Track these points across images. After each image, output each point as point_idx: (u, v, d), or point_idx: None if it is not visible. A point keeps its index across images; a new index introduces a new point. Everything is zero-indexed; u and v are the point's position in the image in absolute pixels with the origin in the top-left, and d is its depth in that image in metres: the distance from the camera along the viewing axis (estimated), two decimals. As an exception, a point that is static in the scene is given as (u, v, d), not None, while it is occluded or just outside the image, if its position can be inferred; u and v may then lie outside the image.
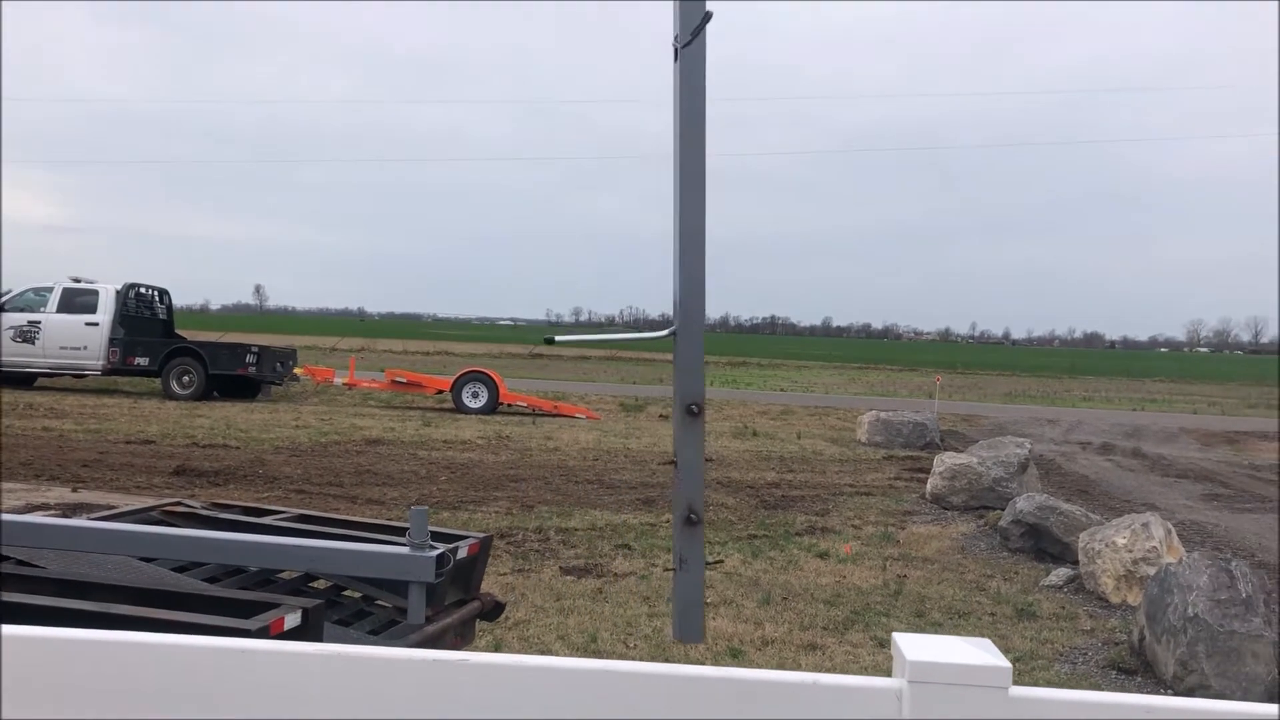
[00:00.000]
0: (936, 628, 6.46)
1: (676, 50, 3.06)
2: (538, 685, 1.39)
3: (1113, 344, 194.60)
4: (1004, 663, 1.40)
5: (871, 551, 8.73)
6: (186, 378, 20.32)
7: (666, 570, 7.68)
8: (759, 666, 5.35)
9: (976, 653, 1.44)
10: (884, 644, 6.05)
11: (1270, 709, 1.41)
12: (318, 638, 3.28)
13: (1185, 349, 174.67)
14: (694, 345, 3.17)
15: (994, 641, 5.00)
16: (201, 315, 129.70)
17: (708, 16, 2.82)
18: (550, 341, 3.29)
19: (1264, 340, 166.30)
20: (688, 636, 3.13)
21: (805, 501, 11.22)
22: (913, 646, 1.45)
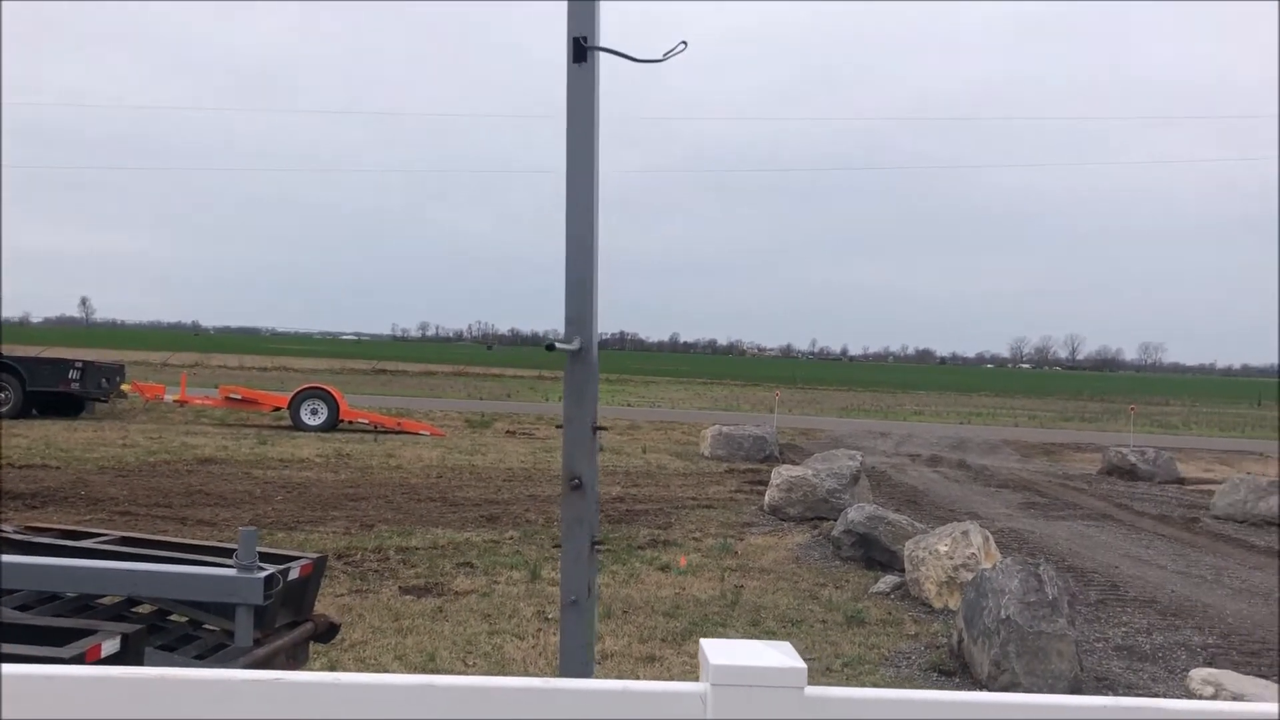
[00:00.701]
0: (770, 635, 6.65)
1: (576, 52, 3.08)
2: (352, 701, 1.41)
3: (943, 360, 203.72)
4: (800, 664, 1.48)
5: (711, 563, 8.91)
6: (2, 395, 19.09)
7: (510, 586, 7.67)
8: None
9: (775, 655, 1.53)
10: (720, 654, 6.18)
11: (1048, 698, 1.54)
12: (139, 664, 3.16)
13: (1009, 365, 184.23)
14: (595, 362, 3.20)
15: (825, 648, 5.19)
16: (21, 328, 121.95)
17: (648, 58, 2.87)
18: (551, 349, 3.25)
19: (1079, 357, 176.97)
20: (579, 671, 3.09)
21: (649, 515, 11.37)
22: (716, 651, 1.52)
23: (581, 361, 3.19)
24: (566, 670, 3.16)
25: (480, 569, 8.27)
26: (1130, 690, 5.93)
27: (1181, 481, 17.31)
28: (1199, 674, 5.10)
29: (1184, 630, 7.44)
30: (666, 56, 3.17)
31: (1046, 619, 5.79)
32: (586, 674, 3.07)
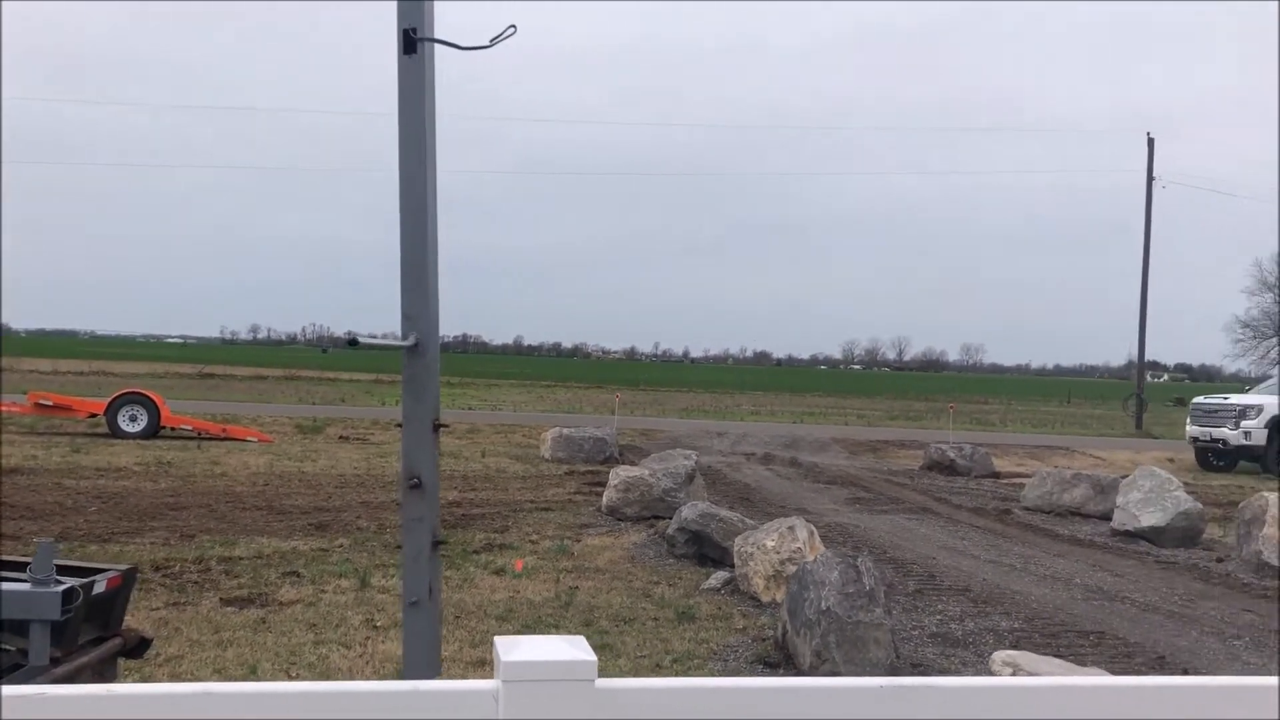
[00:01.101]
0: (603, 634, 6.72)
1: (406, 44, 3.02)
2: (128, 711, 1.37)
3: (779, 362, 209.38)
4: (590, 657, 1.51)
5: (547, 565, 8.92)
6: None
7: (338, 595, 7.50)
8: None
9: (567, 650, 1.55)
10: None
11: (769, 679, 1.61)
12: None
13: (841, 366, 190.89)
14: (435, 358, 3.14)
15: (655, 645, 5.26)
16: None
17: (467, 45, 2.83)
18: (354, 344, 3.20)
19: (906, 358, 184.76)
20: (424, 674, 3.03)
21: (486, 519, 11.29)
22: (509, 648, 1.54)
23: (420, 357, 3.16)
24: (411, 673, 3.12)
25: (307, 578, 8.05)
26: (942, 675, 6.24)
27: (996, 476, 18.29)
28: (999, 656, 5.42)
29: (993, 616, 7.87)
30: (494, 42, 3.18)
31: (864, 609, 6.04)
32: (433, 675, 3.05)
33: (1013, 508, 13.87)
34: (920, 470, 18.87)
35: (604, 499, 12.08)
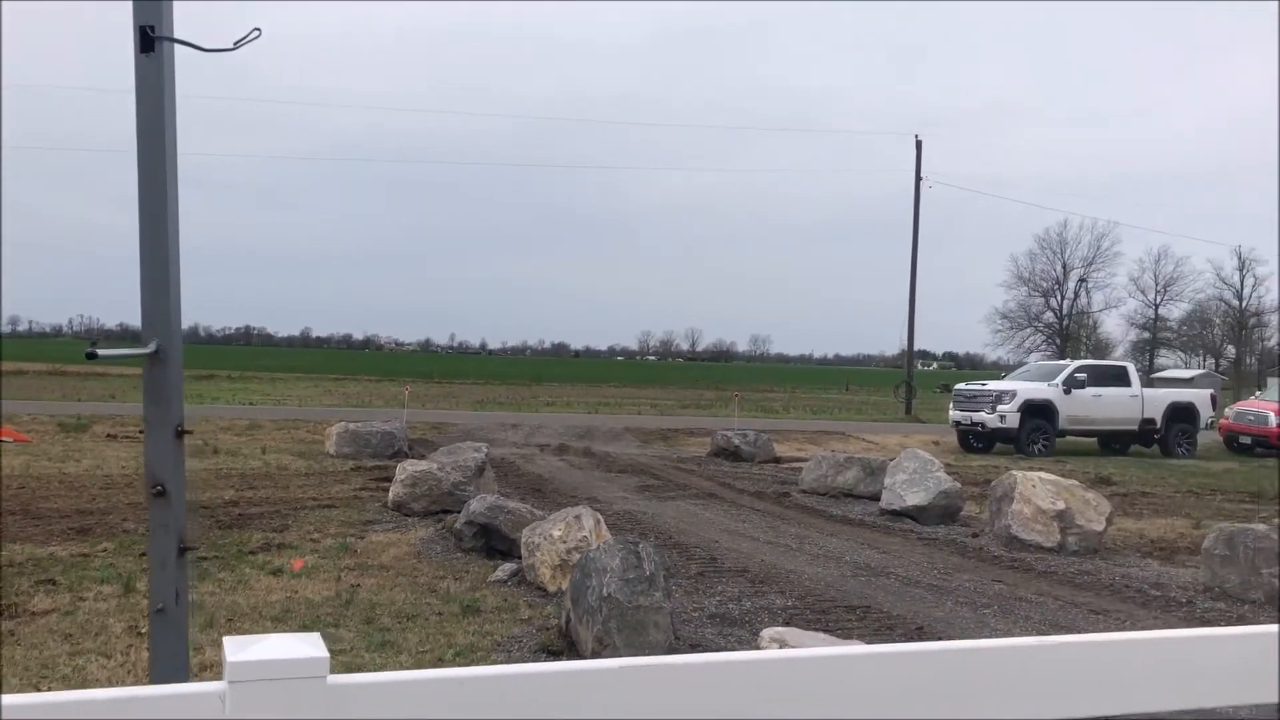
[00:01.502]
0: (385, 632, 6.61)
1: (143, 42, 2.85)
2: None
3: (577, 354, 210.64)
4: (322, 654, 1.50)
5: (328, 564, 8.69)
6: None
7: (99, 603, 7.07)
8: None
9: (298, 647, 1.53)
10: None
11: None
12: None
13: (637, 357, 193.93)
14: (178, 363, 2.98)
15: (439, 639, 5.21)
16: None
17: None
18: (92, 357, 2.96)
19: (699, 349, 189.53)
20: (172, 681, 2.88)
21: (264, 518, 10.87)
22: (238, 648, 1.51)
23: (161, 363, 3.02)
24: (158, 681, 2.98)
25: (64, 585, 7.54)
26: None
27: (778, 460, 19.06)
28: (767, 633, 5.68)
29: (769, 595, 8.22)
30: (238, 45, 3.07)
31: (644, 594, 6.19)
32: (182, 677, 2.93)
33: (791, 491, 14.51)
34: (707, 457, 19.45)
35: (390, 494, 11.86)
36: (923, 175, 34.91)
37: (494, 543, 9.43)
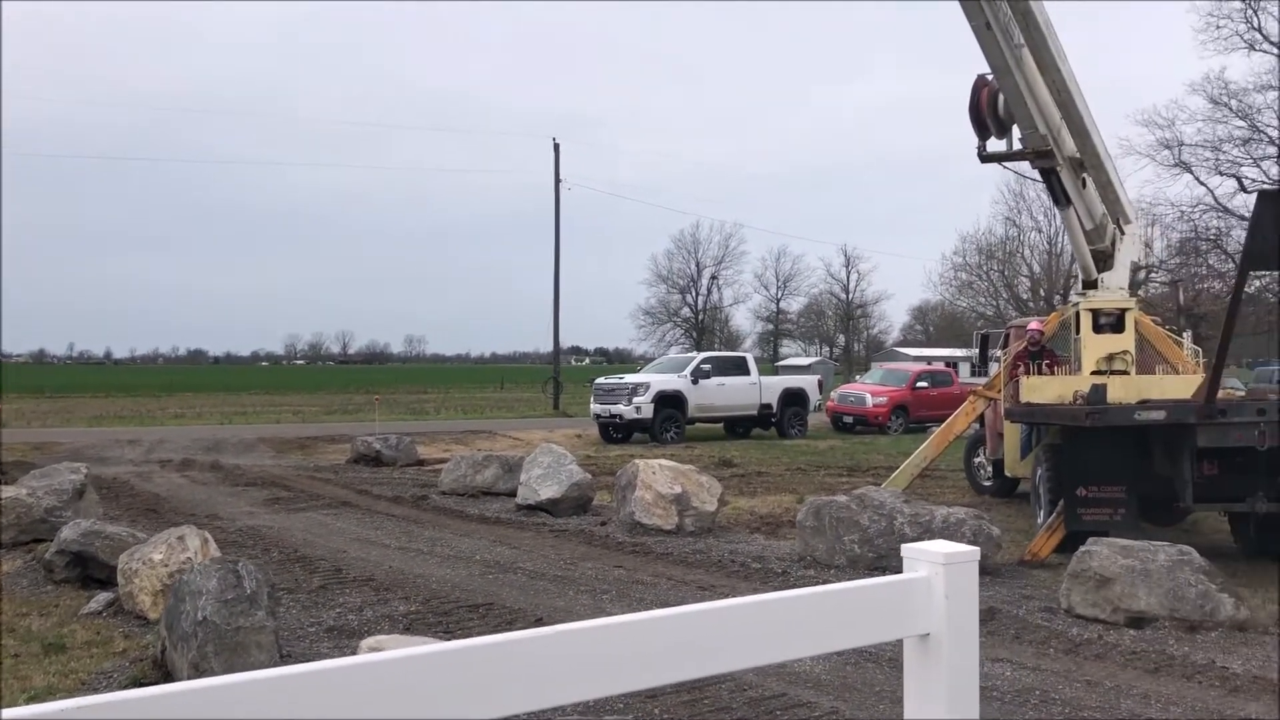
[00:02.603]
0: (-58, 685, 5.87)
1: None
2: None
3: (217, 360, 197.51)
4: None
5: (-120, 612, 7.59)
6: None
7: None
8: None
9: None
10: None
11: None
12: None
13: (284, 362, 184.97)
14: None
15: (12, 685, 4.65)
16: None
17: None
18: None
19: (351, 351, 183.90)
20: None
21: None
22: None
23: None
24: None
25: None
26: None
27: (421, 463, 18.89)
28: (367, 643, 5.60)
29: (393, 602, 8.12)
30: None
31: (245, 614, 5.91)
32: None
33: (430, 493, 14.42)
34: (347, 464, 18.92)
35: (-30, 526, 10.54)
36: (562, 178, 35.89)
37: (91, 571, 8.65)
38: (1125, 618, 7.37)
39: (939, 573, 2.40)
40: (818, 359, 74.33)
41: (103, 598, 7.87)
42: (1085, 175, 12.36)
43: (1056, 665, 6.53)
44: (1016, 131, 12.43)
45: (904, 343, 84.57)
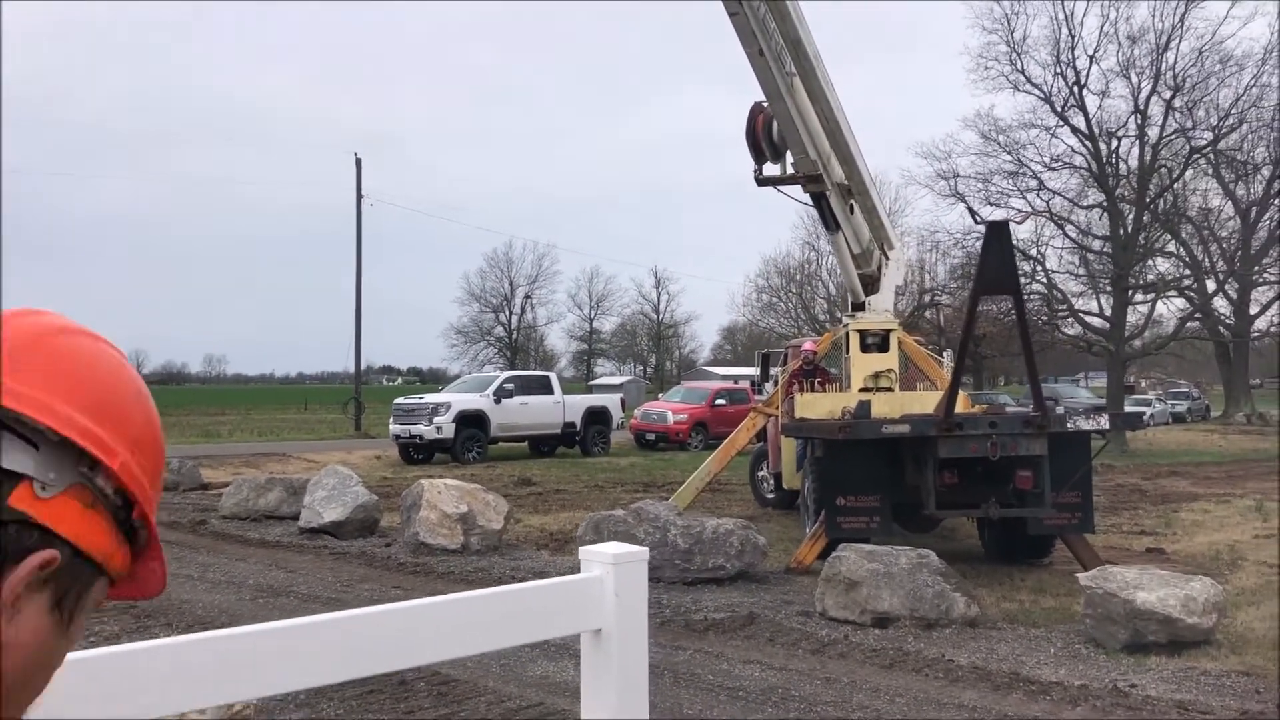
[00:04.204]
0: None
1: None
2: None
3: None
4: None
5: None
6: None
7: None
8: None
9: None
10: None
11: None
12: None
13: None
14: None
15: None
16: None
17: None
18: None
19: (146, 371, 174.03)
20: None
21: None
22: None
23: None
24: None
25: None
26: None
27: (205, 487, 18.16)
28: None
29: (154, 629, 7.85)
30: None
31: None
32: None
33: (210, 518, 13.92)
34: (124, 489, 17.99)
35: None
36: (364, 193, 35.28)
37: None
38: (871, 618, 7.90)
39: (610, 572, 2.61)
40: (630, 378, 75.52)
41: None
42: (853, 202, 13.17)
43: (802, 665, 6.95)
44: (790, 157, 13.17)
45: (714, 362, 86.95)
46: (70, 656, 1.80)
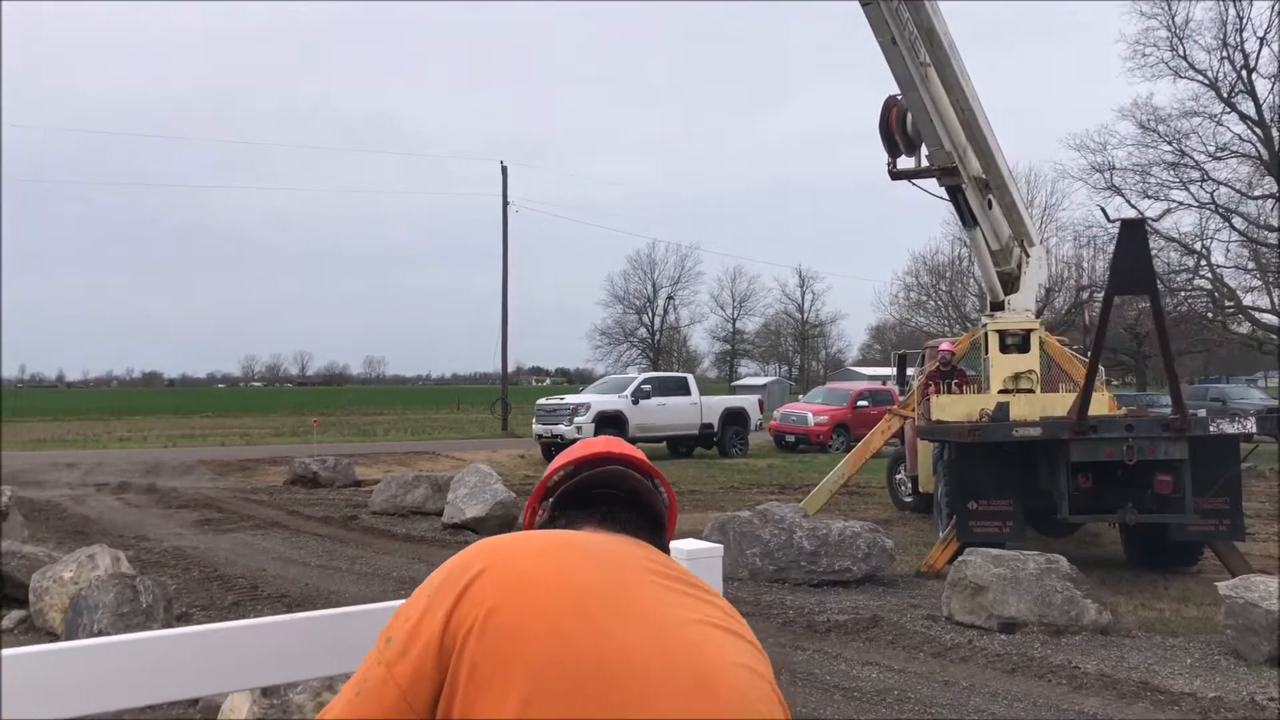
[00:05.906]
0: None
1: None
2: None
3: (172, 382, 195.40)
4: None
5: None
6: None
7: None
8: None
9: None
10: None
11: None
12: None
13: (241, 384, 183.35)
14: None
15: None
16: None
17: None
18: None
19: (310, 373, 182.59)
20: None
21: None
22: None
23: None
24: None
25: None
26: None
27: (358, 484, 19.05)
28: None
29: (303, 616, 8.36)
30: None
31: (140, 627, 6.17)
32: None
33: (360, 513, 14.62)
34: (283, 485, 19.04)
35: (-109, 549, 10.65)
36: (510, 200, 36.23)
37: (7, 590, 8.81)
38: (998, 623, 7.79)
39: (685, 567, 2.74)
40: (773, 378, 75.04)
41: (15, 615, 8.06)
42: (991, 196, 12.86)
43: (922, 668, 6.92)
44: (925, 150, 12.94)
45: (862, 362, 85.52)
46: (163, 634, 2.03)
